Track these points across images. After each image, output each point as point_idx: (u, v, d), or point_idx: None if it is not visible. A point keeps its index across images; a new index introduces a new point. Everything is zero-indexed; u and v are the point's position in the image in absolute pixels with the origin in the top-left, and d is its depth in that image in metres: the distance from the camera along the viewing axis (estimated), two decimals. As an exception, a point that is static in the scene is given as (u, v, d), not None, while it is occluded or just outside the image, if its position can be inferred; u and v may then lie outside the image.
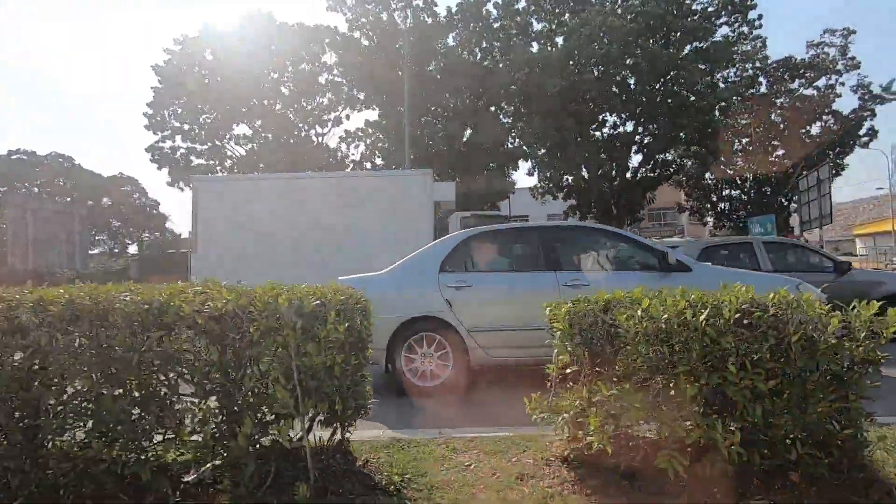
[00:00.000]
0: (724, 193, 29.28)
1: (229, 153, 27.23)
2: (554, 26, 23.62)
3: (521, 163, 26.91)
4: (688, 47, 20.52)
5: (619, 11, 20.17)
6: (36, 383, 2.06)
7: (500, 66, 23.46)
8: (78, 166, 41.17)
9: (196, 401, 2.13)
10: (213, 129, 26.32)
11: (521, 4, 24.93)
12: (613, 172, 23.30)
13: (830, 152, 25.28)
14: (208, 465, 2.08)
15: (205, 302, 2.16)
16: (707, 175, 28.05)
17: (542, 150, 22.74)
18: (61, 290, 2.26)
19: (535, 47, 23.31)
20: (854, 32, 24.95)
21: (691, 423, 2.10)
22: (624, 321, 2.28)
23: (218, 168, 26.55)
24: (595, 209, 25.46)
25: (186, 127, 26.64)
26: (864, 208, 42.64)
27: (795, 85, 26.69)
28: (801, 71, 26.26)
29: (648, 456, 2.25)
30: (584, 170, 23.14)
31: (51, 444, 2.11)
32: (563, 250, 4.71)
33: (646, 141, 22.66)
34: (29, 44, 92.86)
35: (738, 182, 28.53)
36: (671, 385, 2.17)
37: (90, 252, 31.10)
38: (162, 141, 26.83)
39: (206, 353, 2.09)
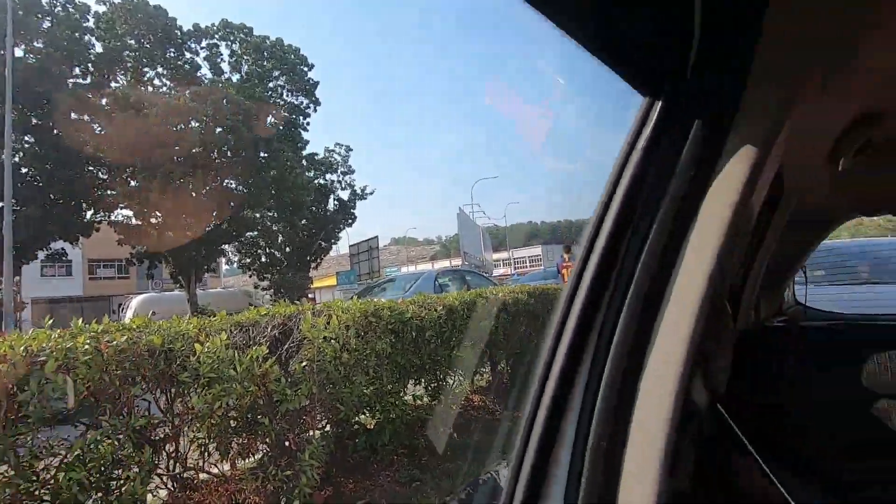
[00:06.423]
0: (267, 251, 34.60)
1: None
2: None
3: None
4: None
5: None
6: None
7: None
8: None
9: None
10: None
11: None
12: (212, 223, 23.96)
13: (339, 228, 36.00)
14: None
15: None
16: (250, 234, 32.87)
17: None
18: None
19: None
20: (352, 149, 37.31)
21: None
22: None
23: None
24: (170, 258, 24.66)
25: None
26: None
27: (312, 174, 36.36)
28: (320, 165, 36.23)
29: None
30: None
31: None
32: (469, 280, 8.50)
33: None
34: None
35: (276, 243, 34.82)
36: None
37: None
38: None
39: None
